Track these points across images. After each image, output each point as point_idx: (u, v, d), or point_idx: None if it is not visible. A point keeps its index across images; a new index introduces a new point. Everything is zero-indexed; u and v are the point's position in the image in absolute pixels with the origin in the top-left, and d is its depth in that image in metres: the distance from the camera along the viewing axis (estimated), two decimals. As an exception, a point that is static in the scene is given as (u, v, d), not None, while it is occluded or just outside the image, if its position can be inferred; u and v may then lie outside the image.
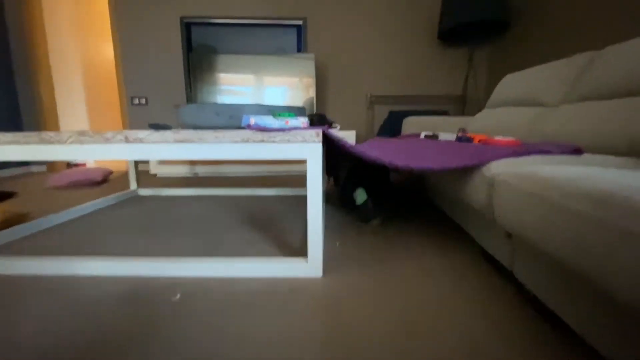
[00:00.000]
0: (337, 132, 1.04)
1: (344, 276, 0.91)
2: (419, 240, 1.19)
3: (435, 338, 0.65)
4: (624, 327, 0.49)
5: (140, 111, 3.00)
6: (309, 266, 0.90)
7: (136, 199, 1.88)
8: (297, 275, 0.91)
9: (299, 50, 3.06)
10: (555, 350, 0.61)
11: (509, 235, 0.82)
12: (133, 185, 1.99)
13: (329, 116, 3.06)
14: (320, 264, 0.90)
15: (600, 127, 1.09)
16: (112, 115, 4.04)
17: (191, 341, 0.65)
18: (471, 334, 0.66)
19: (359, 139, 3.11)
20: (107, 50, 4.04)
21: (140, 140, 0.85)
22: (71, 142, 0.86)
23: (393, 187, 1.72)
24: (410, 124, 2.36)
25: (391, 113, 2.96)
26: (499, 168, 0.80)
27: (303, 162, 2.72)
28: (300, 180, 2.58)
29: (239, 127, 1.10)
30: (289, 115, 0.86)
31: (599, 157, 0.84)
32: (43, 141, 0.86)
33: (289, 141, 0.83)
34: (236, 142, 0.84)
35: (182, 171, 2.71)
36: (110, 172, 2.49)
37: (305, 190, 1.99)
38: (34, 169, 3.14)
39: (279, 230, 1.30)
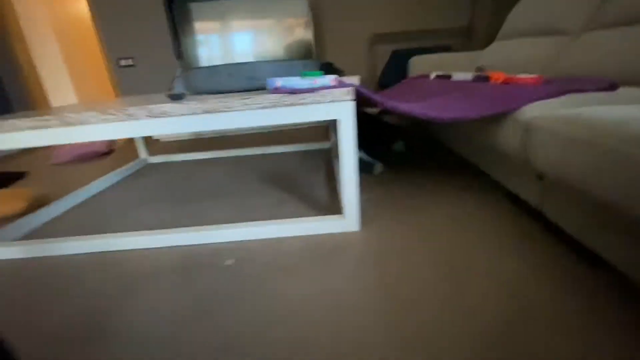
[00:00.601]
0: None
1: (379, 228, 0.95)
2: (439, 185, 1.23)
3: (479, 282, 0.71)
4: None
5: (130, 73, 2.83)
6: (347, 222, 0.94)
7: (148, 167, 1.88)
8: (336, 231, 0.95)
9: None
10: (595, 287, 0.67)
11: (540, 178, 0.84)
12: (143, 154, 1.97)
13: (336, 63, 2.91)
14: (357, 219, 0.94)
15: (630, 57, 1.05)
16: (99, 81, 3.81)
17: (258, 303, 0.70)
18: (509, 274, 0.72)
19: (363, 85, 2.99)
20: (79, 9, 3.66)
21: (166, 114, 0.82)
22: (95, 122, 0.83)
23: (392, 128, 1.72)
24: (417, 65, 2.26)
25: (394, 53, 2.81)
26: (533, 112, 0.80)
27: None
28: (306, 132, 2.54)
29: (256, 89, 1.05)
30: (317, 74, 0.82)
31: (637, 92, 0.83)
32: (64, 123, 0.83)
33: (319, 102, 0.81)
34: (265, 107, 0.81)
35: (185, 134, 2.65)
36: (114, 142, 2.44)
37: (315, 145, 1.98)
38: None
39: (302, 188, 1.32)
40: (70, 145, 2.20)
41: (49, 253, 0.98)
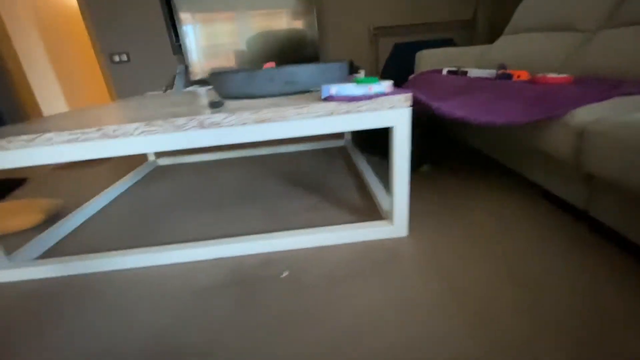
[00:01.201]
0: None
1: (427, 233, 0.96)
2: (472, 186, 1.24)
3: (540, 283, 0.72)
4: None
5: (124, 70, 2.70)
6: (396, 227, 0.94)
7: (158, 170, 1.81)
8: (384, 237, 0.95)
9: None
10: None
11: (588, 179, 0.86)
12: (151, 156, 1.89)
13: (356, 62, 2.86)
14: (406, 225, 0.94)
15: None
16: (88, 81, 3.61)
17: (329, 317, 0.69)
18: (572, 276, 0.74)
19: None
20: (64, 2, 3.43)
21: (218, 125, 0.78)
22: (140, 134, 0.78)
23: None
24: (425, 59, 2.25)
25: (396, 46, 2.79)
26: (586, 116, 0.81)
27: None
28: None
29: (294, 93, 1.02)
30: (371, 81, 0.80)
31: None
32: (105, 136, 0.78)
33: (376, 109, 0.79)
34: (320, 116, 0.79)
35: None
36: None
37: (328, 143, 1.96)
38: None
39: (330, 190, 1.31)
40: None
41: (82, 271, 0.93)
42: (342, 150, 1.85)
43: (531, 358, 0.55)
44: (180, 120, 0.78)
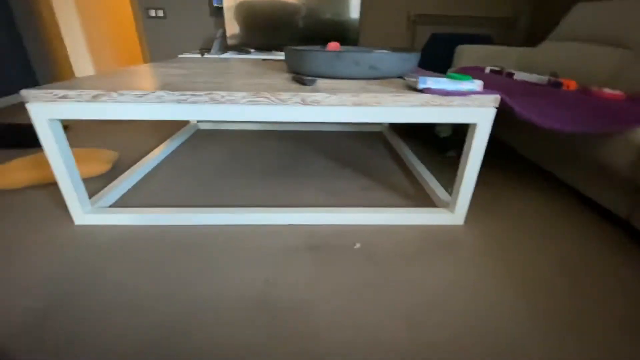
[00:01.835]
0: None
1: (481, 224, 1.05)
2: (513, 184, 1.33)
3: (590, 275, 0.83)
4: None
5: (159, 26, 2.65)
6: (455, 216, 1.03)
7: (200, 134, 1.85)
8: (443, 223, 1.04)
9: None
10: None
11: (637, 191, 0.95)
12: (193, 119, 1.92)
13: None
14: (464, 214, 1.03)
15: None
16: (115, 39, 3.49)
17: (401, 289, 0.79)
18: (609, 271, 0.84)
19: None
20: None
21: (318, 103, 0.84)
22: (245, 103, 0.83)
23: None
24: (465, 54, 2.28)
25: (433, 36, 2.79)
26: (651, 135, 0.89)
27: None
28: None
29: (375, 78, 1.07)
30: (464, 78, 0.86)
31: None
32: (213, 100, 0.83)
33: (466, 105, 0.85)
34: (414, 105, 0.85)
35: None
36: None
37: (369, 127, 2.01)
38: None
39: (378, 173, 1.38)
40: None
41: (163, 222, 1.00)
42: (379, 135, 1.91)
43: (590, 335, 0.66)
44: (285, 95, 0.83)
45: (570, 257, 0.90)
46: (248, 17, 2.52)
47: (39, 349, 0.60)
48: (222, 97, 0.83)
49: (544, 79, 1.51)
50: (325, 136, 1.87)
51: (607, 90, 1.23)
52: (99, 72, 3.31)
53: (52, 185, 1.18)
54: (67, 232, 0.95)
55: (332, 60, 1.02)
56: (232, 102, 0.83)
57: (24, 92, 0.81)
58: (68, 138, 1.75)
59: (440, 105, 0.85)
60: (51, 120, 0.85)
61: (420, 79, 0.85)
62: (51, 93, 0.81)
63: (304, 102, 0.84)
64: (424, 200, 1.18)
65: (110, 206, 1.09)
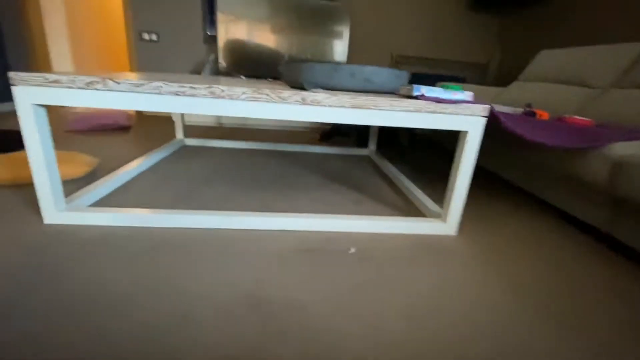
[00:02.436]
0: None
1: (473, 234, 1.05)
2: (497, 204, 1.37)
3: (585, 288, 0.83)
4: None
5: (151, 48, 2.69)
6: (447, 226, 1.03)
7: (186, 150, 1.81)
8: (435, 233, 1.03)
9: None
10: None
11: (614, 205, 1.00)
12: (179, 134, 1.89)
13: None
14: (457, 225, 1.03)
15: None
16: (100, 48, 3.53)
17: (398, 292, 0.76)
18: (598, 280, 0.86)
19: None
20: None
21: (318, 103, 0.85)
22: (245, 99, 0.84)
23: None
24: (445, 90, 2.45)
25: (413, 75, 3.01)
26: (623, 150, 0.96)
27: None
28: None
29: (371, 91, 1.12)
30: (456, 88, 0.92)
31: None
32: (213, 94, 0.83)
33: (457, 113, 0.90)
34: (409, 110, 0.88)
35: (208, 120, 2.58)
36: (133, 116, 2.29)
37: (356, 150, 2.06)
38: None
39: (368, 189, 1.39)
40: (89, 113, 2.03)
41: (143, 224, 0.93)
42: (366, 158, 1.95)
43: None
44: (286, 94, 0.84)
45: (561, 262, 0.91)
46: (239, 52, 2.62)
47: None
48: (222, 91, 0.83)
49: (519, 110, 1.63)
50: (313, 157, 1.88)
51: (578, 117, 1.35)
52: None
53: (27, 186, 1.09)
54: (35, 229, 0.86)
55: (329, 72, 1.06)
56: (232, 97, 0.83)
57: (12, 74, 0.77)
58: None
59: (433, 112, 0.89)
60: (37, 105, 0.81)
61: (415, 87, 0.90)
62: (42, 77, 0.78)
63: (304, 101, 0.85)
64: (416, 213, 1.18)
65: (88, 207, 1.02)
